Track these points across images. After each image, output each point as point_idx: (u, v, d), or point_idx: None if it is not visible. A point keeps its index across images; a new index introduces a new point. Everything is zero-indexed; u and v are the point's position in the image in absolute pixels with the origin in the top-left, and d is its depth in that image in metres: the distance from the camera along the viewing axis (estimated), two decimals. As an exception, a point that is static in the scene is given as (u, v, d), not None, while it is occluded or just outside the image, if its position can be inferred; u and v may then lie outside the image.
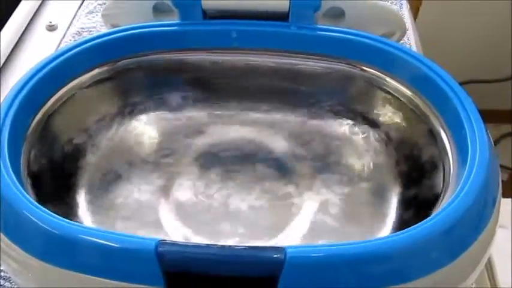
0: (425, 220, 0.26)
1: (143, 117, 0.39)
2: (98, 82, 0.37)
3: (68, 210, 0.34)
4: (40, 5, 0.58)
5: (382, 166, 0.37)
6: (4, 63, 0.51)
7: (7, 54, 0.52)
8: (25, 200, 0.27)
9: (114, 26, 0.40)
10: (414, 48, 0.52)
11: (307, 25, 0.36)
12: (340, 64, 0.37)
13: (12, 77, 0.49)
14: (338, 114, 0.39)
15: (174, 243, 0.24)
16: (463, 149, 0.30)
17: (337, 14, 0.38)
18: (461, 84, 0.32)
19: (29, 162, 0.32)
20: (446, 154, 0.32)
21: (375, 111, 0.38)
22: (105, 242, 0.25)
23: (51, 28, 0.55)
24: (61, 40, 0.54)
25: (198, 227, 0.35)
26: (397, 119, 0.36)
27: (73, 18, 0.56)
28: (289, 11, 0.36)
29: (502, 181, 0.30)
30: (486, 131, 0.30)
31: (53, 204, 0.32)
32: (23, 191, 0.27)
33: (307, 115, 0.39)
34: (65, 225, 0.26)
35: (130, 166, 0.38)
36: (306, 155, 0.38)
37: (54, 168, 0.35)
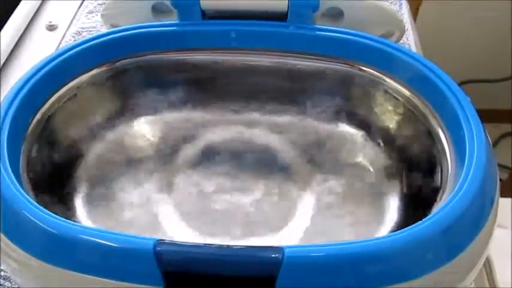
0: (423, 220, 0.26)
1: (142, 117, 0.40)
2: (97, 82, 0.37)
3: (67, 210, 0.34)
4: (40, 5, 0.58)
5: (381, 166, 0.37)
6: (4, 63, 0.51)
7: (7, 54, 0.52)
8: (24, 200, 0.27)
9: (113, 26, 0.40)
10: (413, 48, 0.52)
11: (306, 25, 0.36)
12: (338, 64, 0.37)
13: (12, 77, 0.49)
14: (336, 114, 0.39)
15: (172, 243, 0.25)
16: (461, 149, 0.30)
17: (336, 14, 0.38)
18: (461, 84, 0.33)
19: (29, 162, 0.32)
20: (445, 154, 0.32)
21: (374, 111, 0.38)
22: (104, 242, 0.25)
23: (51, 28, 0.55)
24: (61, 40, 0.54)
25: (197, 226, 0.35)
26: (396, 119, 0.37)
27: (73, 18, 0.56)
28: (288, 11, 0.36)
29: (502, 181, 0.30)
30: (484, 131, 0.30)
31: (52, 204, 0.32)
32: (22, 191, 0.27)
33: (306, 115, 0.39)
34: (64, 225, 0.26)
35: (130, 166, 0.38)
36: (305, 154, 0.39)
37: (54, 168, 0.35)
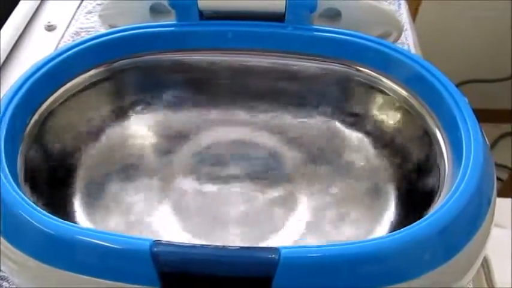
0: (420, 220, 0.26)
1: (140, 118, 0.40)
2: (95, 82, 0.37)
3: (65, 210, 0.34)
4: (39, 5, 0.58)
5: (378, 166, 0.37)
6: (3, 63, 0.51)
7: (6, 54, 0.52)
8: (22, 201, 0.27)
9: (111, 27, 0.40)
10: (412, 48, 0.52)
11: (304, 26, 0.36)
12: (336, 64, 0.37)
13: (11, 77, 0.49)
14: (334, 114, 0.39)
15: (168, 244, 0.25)
16: (458, 149, 0.30)
17: (334, 15, 0.38)
18: (461, 83, 0.33)
19: (26, 162, 0.32)
20: (442, 154, 0.32)
21: (371, 112, 0.38)
22: (101, 242, 0.25)
23: (50, 28, 0.55)
24: (60, 40, 0.54)
25: (195, 227, 0.35)
26: (393, 119, 0.37)
27: (72, 19, 0.56)
28: (285, 11, 0.36)
29: (502, 181, 0.30)
30: (481, 131, 0.30)
31: (50, 205, 0.32)
32: (19, 192, 0.27)
33: (304, 115, 0.39)
34: (61, 226, 0.26)
35: (128, 167, 0.38)
36: (302, 155, 0.39)
37: (52, 168, 0.35)
